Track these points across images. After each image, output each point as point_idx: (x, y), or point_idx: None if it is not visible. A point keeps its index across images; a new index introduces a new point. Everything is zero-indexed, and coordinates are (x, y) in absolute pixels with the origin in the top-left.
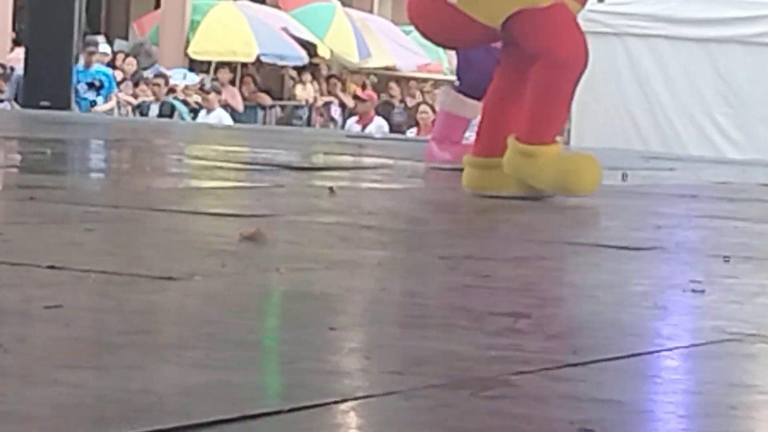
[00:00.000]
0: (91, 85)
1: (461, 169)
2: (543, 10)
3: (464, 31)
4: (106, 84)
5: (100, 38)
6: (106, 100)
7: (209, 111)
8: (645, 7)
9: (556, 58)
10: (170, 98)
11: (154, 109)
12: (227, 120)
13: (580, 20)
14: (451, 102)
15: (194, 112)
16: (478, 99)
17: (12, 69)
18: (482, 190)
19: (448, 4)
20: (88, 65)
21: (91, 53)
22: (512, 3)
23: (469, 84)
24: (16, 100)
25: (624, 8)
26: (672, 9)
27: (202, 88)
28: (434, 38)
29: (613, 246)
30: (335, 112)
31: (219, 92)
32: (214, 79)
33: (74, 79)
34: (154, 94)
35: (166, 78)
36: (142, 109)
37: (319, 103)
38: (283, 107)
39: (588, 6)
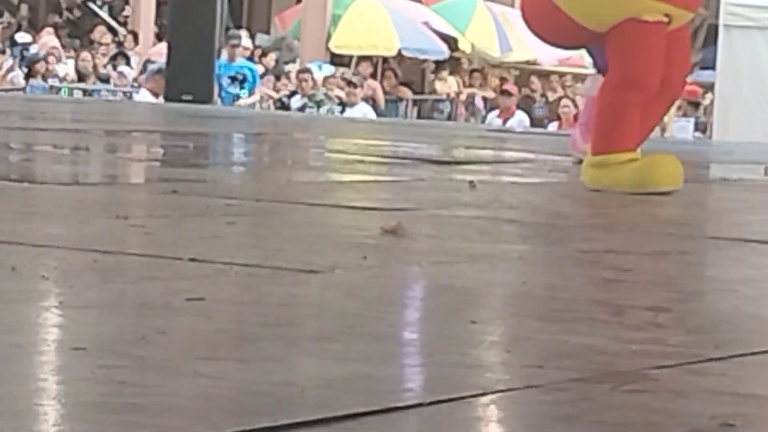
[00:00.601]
0: (234, 79)
1: None
2: (643, 24)
3: (572, 34)
4: (250, 78)
5: (242, 32)
6: (250, 93)
7: (352, 105)
8: None
9: (629, 77)
10: (320, 92)
11: (296, 102)
12: (371, 114)
13: (722, 13)
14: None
15: (341, 106)
16: None
17: (148, 61)
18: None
19: (556, 8)
20: (231, 59)
21: (234, 47)
22: (621, 11)
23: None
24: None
25: (767, 1)
26: None
27: (349, 83)
28: (545, 38)
29: (756, 240)
30: (479, 103)
31: (362, 86)
32: (356, 73)
33: (217, 73)
34: (302, 89)
35: (311, 73)
36: (284, 103)
37: (462, 96)
38: (424, 101)
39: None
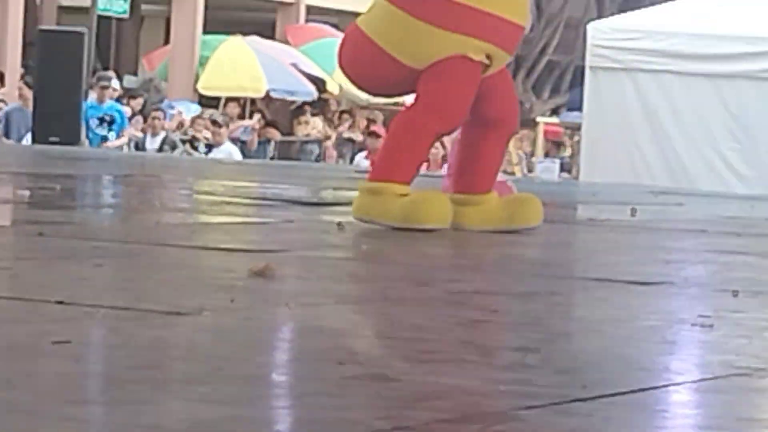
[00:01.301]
0: (102, 121)
1: None
2: (463, 60)
3: (394, 77)
4: (118, 119)
5: (110, 74)
6: (118, 135)
7: (218, 145)
8: (654, 43)
9: (439, 106)
10: (176, 134)
11: (153, 143)
12: (237, 155)
13: (589, 55)
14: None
15: (208, 147)
16: None
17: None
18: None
19: (378, 48)
20: (100, 101)
21: (104, 88)
22: (447, 48)
23: None
24: (6, 136)
25: (633, 44)
26: (681, 44)
27: (213, 122)
28: (366, 86)
29: (623, 281)
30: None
31: (227, 126)
32: (224, 114)
33: (86, 115)
34: (153, 128)
35: (164, 112)
36: (138, 143)
37: (332, 138)
38: (292, 142)
39: (597, 42)
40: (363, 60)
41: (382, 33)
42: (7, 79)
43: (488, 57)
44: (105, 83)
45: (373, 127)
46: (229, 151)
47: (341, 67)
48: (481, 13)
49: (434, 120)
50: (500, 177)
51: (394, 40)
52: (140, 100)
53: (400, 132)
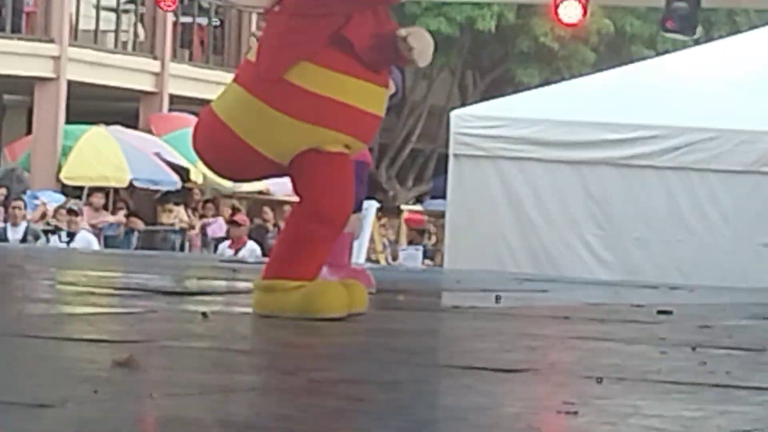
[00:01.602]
0: None
1: None
2: (327, 156)
3: (250, 163)
4: None
5: None
6: None
7: (75, 233)
8: (516, 130)
9: (320, 212)
10: (38, 225)
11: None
12: (95, 244)
13: (452, 143)
14: None
15: (69, 236)
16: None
17: None
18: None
19: (236, 137)
20: None
21: None
22: (303, 141)
23: None
24: None
25: (495, 131)
26: (543, 132)
27: (69, 211)
28: (221, 171)
29: (487, 368)
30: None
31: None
32: (87, 204)
33: None
34: (14, 218)
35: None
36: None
37: (195, 227)
38: (156, 232)
39: (460, 129)
40: (219, 145)
41: (239, 120)
42: None
43: (347, 147)
44: None
45: (235, 216)
46: (87, 240)
47: (196, 150)
48: (338, 104)
49: (322, 227)
50: (361, 265)
51: (252, 129)
52: (2, 190)
53: (290, 236)
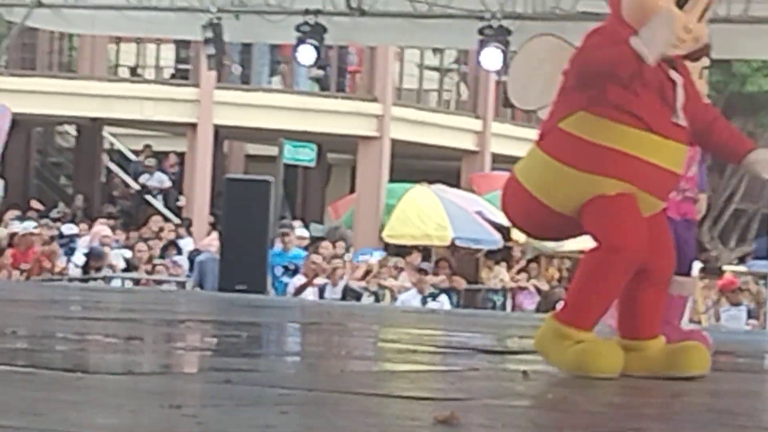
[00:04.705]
0: (286, 269)
1: None
2: (609, 198)
3: (549, 221)
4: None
5: (297, 223)
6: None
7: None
8: None
9: (609, 242)
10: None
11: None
12: (447, 304)
13: None
14: None
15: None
16: (685, 275)
17: (195, 251)
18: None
19: (530, 195)
20: (286, 249)
21: (285, 235)
22: (584, 191)
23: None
24: (200, 285)
25: None
26: None
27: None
28: (529, 231)
29: None
30: (527, 298)
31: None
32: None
33: (270, 262)
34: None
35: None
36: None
37: (516, 286)
38: (477, 291)
39: None
40: (518, 206)
41: (534, 180)
42: (195, 228)
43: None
44: (285, 230)
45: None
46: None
47: (504, 213)
48: (615, 153)
49: (615, 257)
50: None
51: (539, 183)
52: (328, 244)
53: (585, 274)
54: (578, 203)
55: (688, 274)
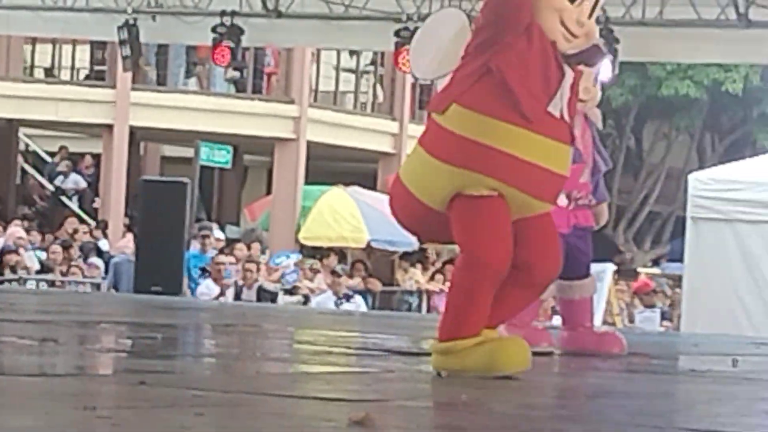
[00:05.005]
0: (204, 270)
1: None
2: (476, 202)
3: (424, 217)
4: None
5: (212, 225)
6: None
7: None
8: (755, 194)
9: (473, 257)
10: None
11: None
12: (363, 306)
13: (690, 206)
14: None
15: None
16: (582, 278)
17: (112, 254)
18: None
19: (408, 191)
20: (204, 251)
21: (205, 237)
22: (448, 184)
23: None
24: (116, 287)
25: (734, 194)
26: None
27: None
28: (415, 232)
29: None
30: (442, 300)
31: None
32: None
33: (188, 264)
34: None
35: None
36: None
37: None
38: (393, 293)
39: (698, 192)
40: (405, 209)
41: (415, 180)
42: (111, 229)
43: (500, 195)
44: (206, 232)
45: None
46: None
47: (394, 216)
48: (483, 147)
49: (479, 271)
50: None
51: (423, 184)
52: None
53: (455, 291)
54: (443, 197)
55: (585, 277)
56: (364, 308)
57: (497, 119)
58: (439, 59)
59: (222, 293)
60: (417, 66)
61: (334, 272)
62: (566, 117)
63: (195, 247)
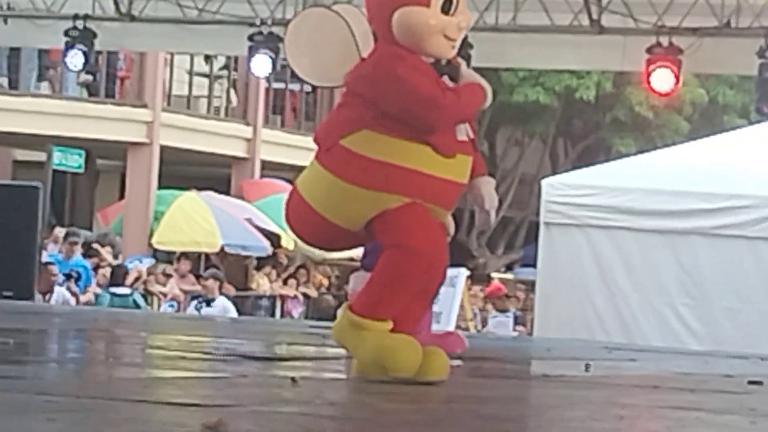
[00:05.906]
0: (68, 276)
1: None
2: (397, 209)
3: (333, 235)
4: (84, 276)
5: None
6: (83, 292)
7: (211, 300)
8: (607, 199)
9: (406, 246)
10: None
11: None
12: (233, 311)
13: (543, 211)
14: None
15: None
16: None
17: None
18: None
19: (313, 211)
20: (68, 256)
21: (73, 244)
22: (368, 209)
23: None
24: None
25: (586, 200)
26: (634, 201)
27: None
28: (309, 242)
29: None
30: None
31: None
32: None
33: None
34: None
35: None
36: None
37: (284, 293)
38: (247, 297)
39: (551, 198)
40: (303, 222)
41: (318, 197)
42: None
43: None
44: (74, 239)
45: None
46: (224, 306)
47: (289, 227)
48: (403, 170)
49: (408, 259)
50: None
51: (328, 203)
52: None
53: (381, 271)
54: (365, 219)
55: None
56: (234, 313)
57: (408, 140)
58: (314, 60)
59: (77, 299)
60: (299, 66)
61: (199, 276)
62: (470, 135)
63: (52, 249)
